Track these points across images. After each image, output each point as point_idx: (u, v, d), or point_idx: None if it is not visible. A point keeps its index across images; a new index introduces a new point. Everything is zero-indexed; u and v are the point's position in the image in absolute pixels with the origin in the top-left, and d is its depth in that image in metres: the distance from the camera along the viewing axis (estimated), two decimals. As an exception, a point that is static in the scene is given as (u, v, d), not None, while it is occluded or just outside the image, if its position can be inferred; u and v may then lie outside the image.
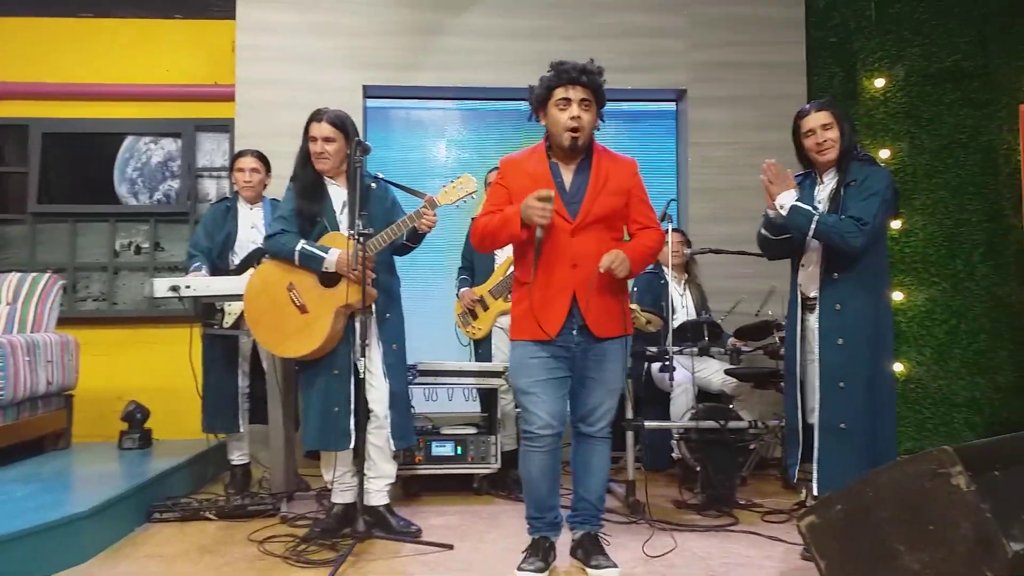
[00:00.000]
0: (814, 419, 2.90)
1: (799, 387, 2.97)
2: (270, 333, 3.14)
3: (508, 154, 2.84)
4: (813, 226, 2.75)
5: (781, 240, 2.98)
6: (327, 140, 3.13)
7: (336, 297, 3.03)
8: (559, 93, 2.63)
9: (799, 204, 2.80)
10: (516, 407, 3.65)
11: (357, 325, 3.04)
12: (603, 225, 2.68)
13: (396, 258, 3.33)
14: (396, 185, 3.30)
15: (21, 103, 5.21)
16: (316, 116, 3.18)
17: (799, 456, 2.98)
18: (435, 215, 3.07)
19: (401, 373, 3.22)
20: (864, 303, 2.82)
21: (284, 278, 3.13)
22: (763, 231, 3.03)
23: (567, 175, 2.71)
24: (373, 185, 3.24)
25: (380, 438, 3.13)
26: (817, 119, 2.88)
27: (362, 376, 2.94)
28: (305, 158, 3.19)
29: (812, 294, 2.94)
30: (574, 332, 2.66)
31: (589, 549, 2.72)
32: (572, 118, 2.60)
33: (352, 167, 3.01)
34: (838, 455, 2.80)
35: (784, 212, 2.81)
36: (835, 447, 2.81)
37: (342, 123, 3.17)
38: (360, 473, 2.96)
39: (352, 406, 3.04)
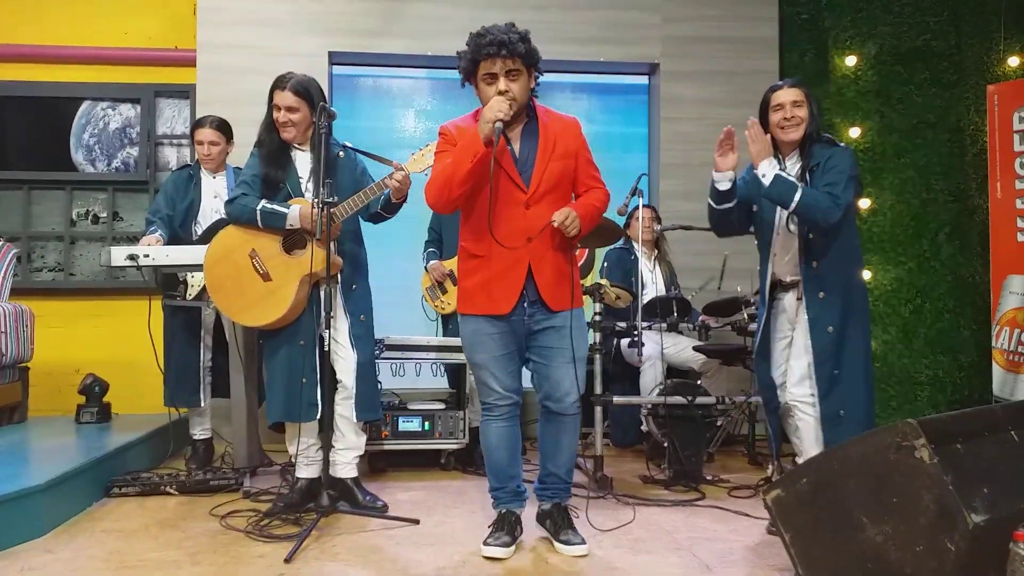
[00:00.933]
0: (785, 396, 2.90)
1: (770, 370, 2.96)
2: (232, 300, 3.06)
3: (449, 120, 2.73)
4: (797, 196, 2.67)
5: (724, 209, 2.89)
6: (291, 109, 3.04)
7: (301, 265, 2.96)
8: (484, 67, 2.53)
9: (782, 174, 2.71)
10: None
11: (322, 295, 2.97)
12: (556, 194, 2.62)
13: (364, 229, 3.26)
14: (365, 153, 3.23)
15: (-28, 65, 5.01)
16: (279, 83, 3.07)
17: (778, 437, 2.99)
18: (408, 180, 2.99)
19: (368, 344, 3.17)
20: (846, 288, 2.81)
21: (246, 244, 3.05)
22: (709, 201, 2.94)
23: (515, 140, 2.63)
24: (341, 154, 3.16)
25: (348, 409, 3.09)
26: (788, 95, 2.82)
27: (327, 348, 2.87)
28: (270, 125, 3.11)
29: (788, 279, 2.92)
30: (526, 306, 2.62)
31: (558, 521, 2.71)
32: (500, 92, 2.50)
33: (317, 134, 2.93)
34: (839, 441, 2.74)
35: (767, 181, 2.71)
36: (840, 435, 2.71)
37: (306, 90, 3.06)
38: (326, 447, 2.91)
39: (318, 376, 2.98)
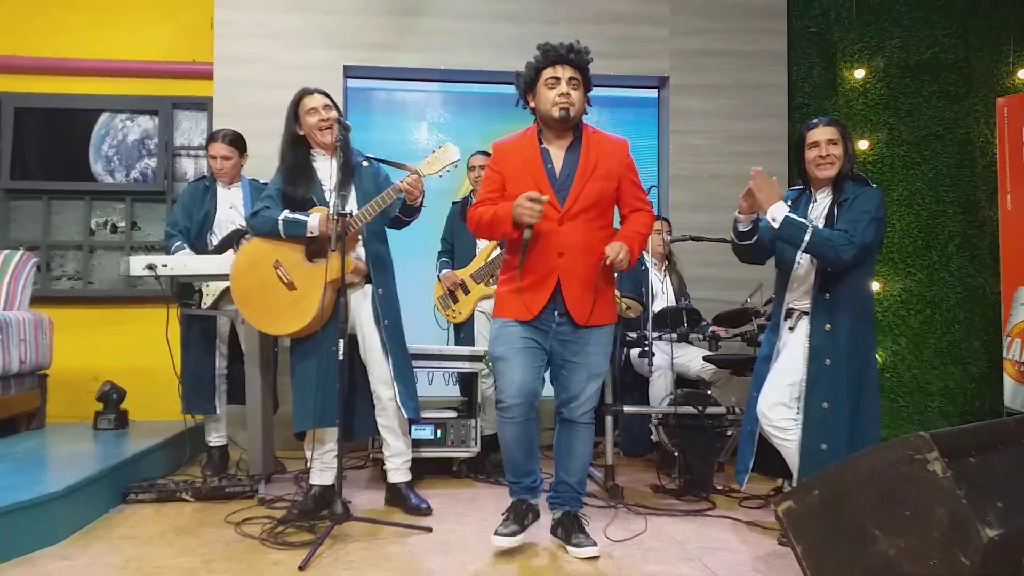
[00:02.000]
0: (758, 414, 2.90)
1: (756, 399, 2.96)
2: (259, 312, 3.12)
3: (499, 138, 2.83)
4: (807, 238, 2.71)
5: (744, 246, 2.98)
6: (327, 108, 3.13)
7: (324, 272, 2.99)
8: (547, 73, 2.65)
9: (792, 216, 2.75)
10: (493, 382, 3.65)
11: (341, 303, 3.00)
12: (592, 213, 2.68)
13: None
14: (382, 160, 3.29)
15: (-7, 77, 5.09)
16: (307, 91, 3.17)
17: (750, 463, 2.99)
18: (419, 183, 3.06)
19: (400, 346, 3.23)
20: (854, 326, 2.81)
21: (270, 255, 3.11)
22: (733, 237, 3.03)
23: (557, 160, 2.71)
24: (364, 163, 3.24)
25: (388, 418, 3.19)
26: (825, 133, 2.86)
27: (341, 358, 2.90)
28: (292, 139, 3.16)
29: (793, 306, 2.94)
30: (556, 314, 2.68)
31: (569, 528, 2.75)
32: (561, 95, 2.61)
33: (336, 146, 3.00)
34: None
35: (776, 224, 2.76)
36: (814, 468, 2.72)
37: (331, 96, 3.20)
38: (340, 455, 2.95)
39: (337, 386, 3.02)
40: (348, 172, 3.15)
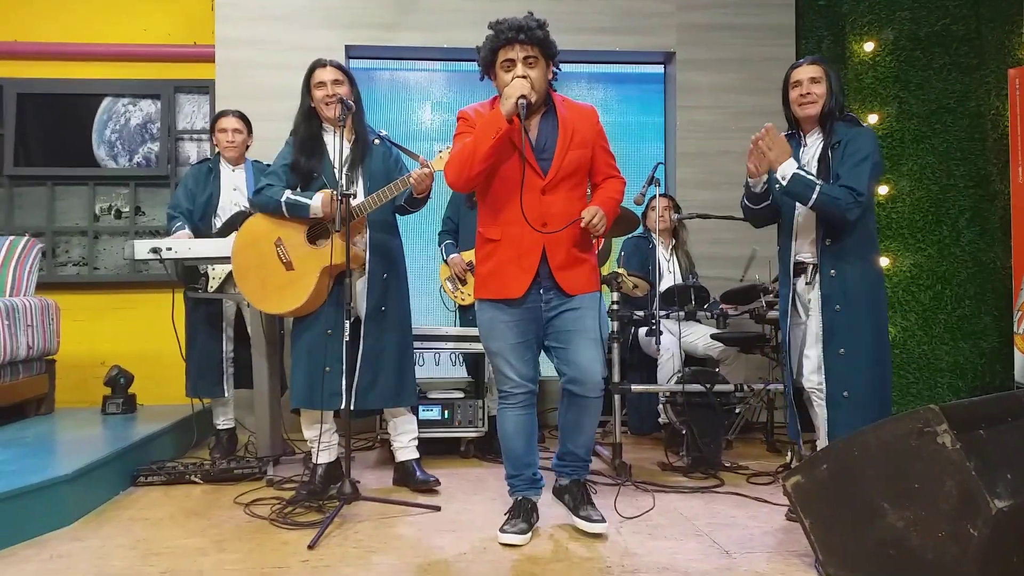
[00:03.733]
0: (802, 383, 2.91)
1: (789, 355, 2.96)
2: (255, 287, 3.12)
3: (466, 107, 2.74)
4: (815, 196, 2.70)
5: (761, 208, 2.97)
6: (336, 83, 3.09)
7: (322, 256, 2.99)
8: (503, 54, 2.56)
9: (801, 173, 2.73)
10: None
11: (345, 286, 2.98)
12: (572, 181, 2.64)
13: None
14: (396, 145, 3.26)
15: (-5, 62, 5.08)
16: (319, 63, 3.13)
17: (797, 425, 2.99)
18: (430, 177, 3.01)
19: (388, 334, 3.18)
20: (858, 268, 2.80)
21: (273, 233, 3.10)
22: (744, 201, 3.01)
23: (532, 129, 2.64)
24: (376, 141, 3.20)
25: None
26: (806, 71, 2.86)
27: (347, 338, 2.89)
28: (308, 112, 3.13)
29: (800, 259, 2.92)
30: (541, 292, 2.64)
31: (577, 497, 2.73)
32: (517, 77, 2.52)
33: (339, 124, 2.96)
34: (846, 424, 2.74)
35: (785, 181, 2.75)
36: (843, 418, 2.76)
37: (345, 69, 3.16)
38: (347, 434, 2.94)
39: (343, 366, 3.01)
40: (358, 152, 3.13)
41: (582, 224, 2.58)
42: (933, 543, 1.97)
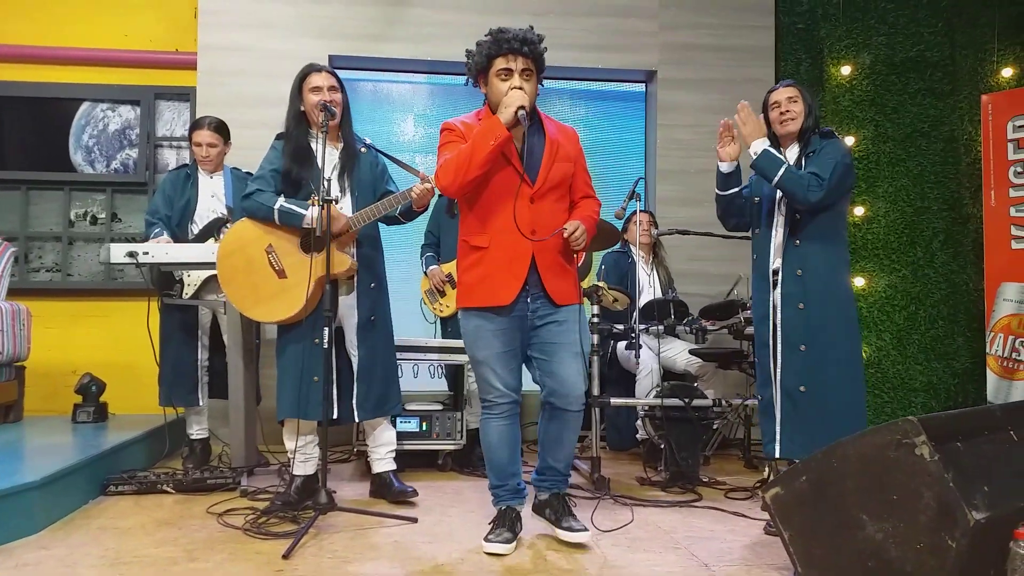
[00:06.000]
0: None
1: (772, 361, 2.99)
2: (244, 293, 3.06)
3: (450, 119, 2.73)
4: (780, 171, 2.84)
5: (728, 194, 3.07)
6: (332, 89, 3.07)
7: (317, 265, 2.94)
8: (500, 63, 2.57)
9: (771, 150, 2.90)
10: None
11: (329, 293, 2.96)
12: (557, 193, 2.68)
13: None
14: (390, 157, 3.25)
15: (-29, 65, 5.00)
16: (314, 67, 3.12)
17: (775, 432, 3.00)
18: (432, 192, 3.02)
19: (375, 345, 3.17)
20: (825, 269, 2.89)
21: (263, 239, 3.06)
22: (716, 190, 3.12)
23: (518, 140, 2.65)
24: (363, 150, 3.19)
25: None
26: (784, 93, 3.03)
27: (327, 346, 2.86)
28: (298, 115, 3.10)
29: (776, 265, 2.98)
30: (528, 300, 2.64)
31: (559, 510, 2.73)
32: (514, 88, 2.55)
33: (322, 130, 2.94)
34: (800, 419, 2.85)
35: (756, 156, 2.90)
36: (796, 411, 2.86)
37: (339, 77, 3.15)
38: (323, 445, 2.90)
39: (334, 376, 3.00)
40: (347, 160, 3.12)
41: (564, 235, 2.59)
42: (912, 554, 1.98)
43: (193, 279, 3.70)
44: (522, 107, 2.49)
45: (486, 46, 2.58)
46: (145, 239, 3.70)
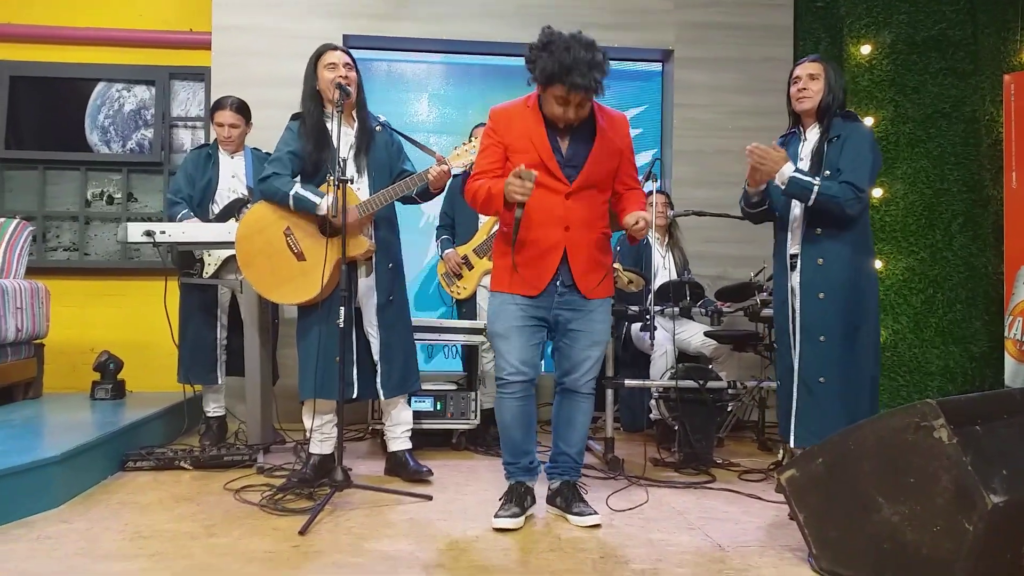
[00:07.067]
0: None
1: (791, 349, 2.97)
2: (263, 276, 3.07)
3: (498, 104, 2.74)
4: (813, 195, 2.77)
5: (757, 212, 3.07)
6: (348, 67, 3.07)
7: (336, 247, 2.93)
8: (559, 91, 2.48)
9: (797, 176, 2.80)
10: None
11: (347, 273, 2.97)
12: (596, 190, 2.68)
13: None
14: (406, 137, 3.24)
15: (-11, 44, 5.02)
16: (330, 46, 3.11)
17: (791, 420, 2.99)
18: (448, 174, 3.03)
19: (396, 325, 3.19)
20: (847, 258, 2.84)
21: (281, 221, 3.06)
22: (742, 203, 3.11)
23: (563, 140, 2.64)
24: (378, 128, 3.18)
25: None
26: (806, 68, 2.96)
27: (342, 325, 2.87)
28: (314, 93, 3.09)
29: (794, 251, 2.95)
30: (558, 286, 2.66)
31: (569, 497, 2.74)
32: (567, 116, 2.54)
33: (337, 109, 2.92)
34: (816, 409, 2.82)
35: (784, 185, 2.82)
36: (813, 401, 2.83)
37: (354, 57, 3.13)
38: (340, 424, 2.92)
39: (354, 356, 3.04)
40: (363, 140, 3.12)
41: (628, 224, 2.59)
42: (928, 537, 1.98)
43: (213, 258, 3.72)
44: (522, 204, 2.50)
45: (550, 67, 2.44)
46: (171, 218, 3.71)
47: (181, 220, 3.62)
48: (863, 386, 2.83)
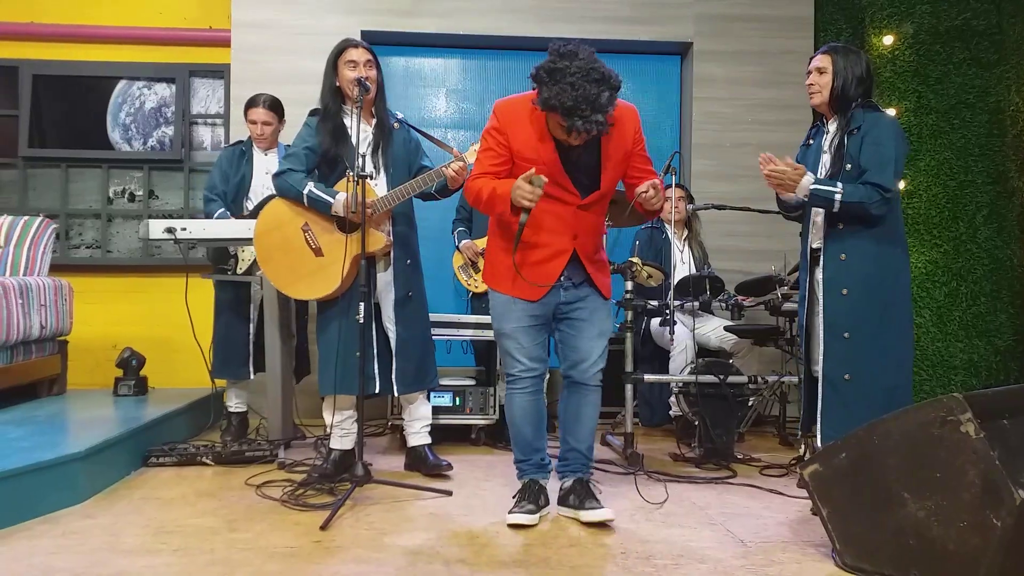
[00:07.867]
0: (818, 371, 2.88)
1: (813, 345, 2.93)
2: (281, 272, 3.09)
3: (504, 99, 2.64)
4: (837, 203, 2.72)
5: (796, 215, 3.05)
6: (369, 64, 3.06)
7: (354, 243, 2.94)
8: (564, 121, 2.37)
9: (817, 187, 2.74)
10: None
11: (365, 269, 2.96)
12: (606, 196, 2.69)
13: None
14: (424, 134, 3.24)
15: (11, 44, 5.07)
16: (350, 42, 3.10)
17: (815, 413, 2.95)
18: (466, 170, 3.00)
19: (413, 320, 3.20)
20: (871, 253, 2.77)
21: (299, 217, 3.08)
22: (780, 208, 3.11)
23: (572, 149, 2.55)
24: (396, 125, 3.18)
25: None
26: (814, 62, 2.89)
27: (361, 321, 2.87)
28: (334, 89, 3.08)
29: (816, 245, 2.90)
30: (562, 277, 2.64)
31: (581, 495, 2.70)
32: (570, 140, 2.46)
33: (357, 106, 2.93)
34: (842, 408, 2.74)
35: (808, 198, 2.78)
36: (839, 399, 2.75)
37: (375, 54, 3.11)
38: (360, 420, 2.93)
39: (375, 351, 3.06)
40: (381, 137, 3.12)
41: (639, 193, 2.53)
42: (954, 533, 1.95)
43: (247, 254, 3.73)
44: (528, 210, 2.45)
45: (553, 101, 2.34)
46: (207, 215, 3.73)
47: (218, 218, 3.64)
48: (891, 382, 2.75)
